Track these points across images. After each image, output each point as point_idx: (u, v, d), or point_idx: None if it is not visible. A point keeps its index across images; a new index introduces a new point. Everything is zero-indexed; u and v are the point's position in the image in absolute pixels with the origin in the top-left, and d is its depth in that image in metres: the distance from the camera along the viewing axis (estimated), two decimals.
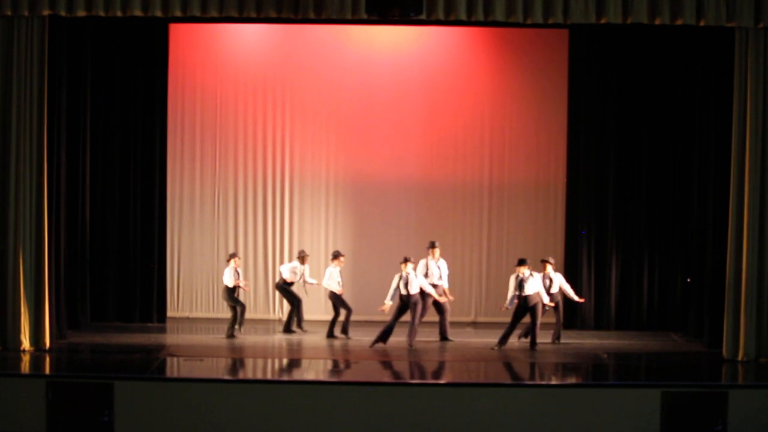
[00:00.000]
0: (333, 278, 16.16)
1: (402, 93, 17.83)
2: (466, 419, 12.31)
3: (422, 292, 15.35)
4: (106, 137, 17.15)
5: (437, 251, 16.00)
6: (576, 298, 16.05)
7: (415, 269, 15.42)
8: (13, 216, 14.31)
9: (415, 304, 15.23)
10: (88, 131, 16.57)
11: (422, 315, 15.47)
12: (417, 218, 17.86)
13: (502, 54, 17.82)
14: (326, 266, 16.56)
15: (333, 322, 16.20)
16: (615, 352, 15.16)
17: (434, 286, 15.70)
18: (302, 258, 16.58)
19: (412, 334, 15.28)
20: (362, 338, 15.92)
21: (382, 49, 17.83)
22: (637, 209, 17.30)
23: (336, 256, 16.30)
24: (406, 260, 15.24)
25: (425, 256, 16.02)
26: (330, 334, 16.08)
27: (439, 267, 15.96)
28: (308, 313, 17.01)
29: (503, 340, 15.29)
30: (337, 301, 16.20)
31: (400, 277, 15.21)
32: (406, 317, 15.38)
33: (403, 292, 15.21)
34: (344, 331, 16.10)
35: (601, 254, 17.32)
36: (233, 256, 16.17)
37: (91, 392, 12.28)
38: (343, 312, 16.19)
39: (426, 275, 15.74)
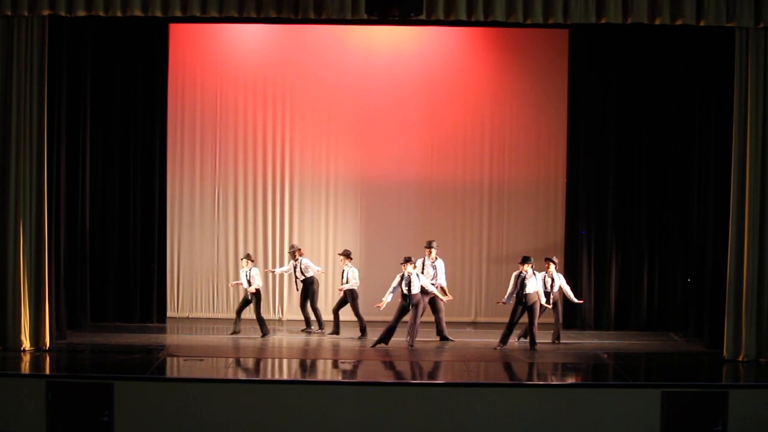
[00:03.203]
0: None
1: (402, 93, 17.83)
2: (466, 419, 12.30)
3: (422, 291, 15.34)
4: (106, 137, 17.16)
5: (433, 251, 15.97)
6: (575, 300, 16.05)
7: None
8: (13, 216, 14.31)
9: (417, 304, 15.24)
10: (88, 131, 16.56)
11: (422, 314, 15.50)
12: (417, 218, 17.86)
13: (502, 54, 17.82)
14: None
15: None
16: (615, 352, 15.16)
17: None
18: (292, 253, 16.53)
19: (412, 333, 15.29)
20: (362, 338, 15.93)
21: (382, 49, 17.83)
22: (637, 209, 17.30)
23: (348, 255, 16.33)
24: (407, 260, 15.24)
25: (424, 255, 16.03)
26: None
27: (434, 267, 15.93)
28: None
29: (504, 339, 15.30)
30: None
31: (402, 277, 15.22)
32: (405, 317, 15.39)
33: (405, 291, 15.22)
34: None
35: (601, 254, 17.32)
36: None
37: (91, 392, 12.28)
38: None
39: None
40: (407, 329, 15.32)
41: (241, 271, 16.19)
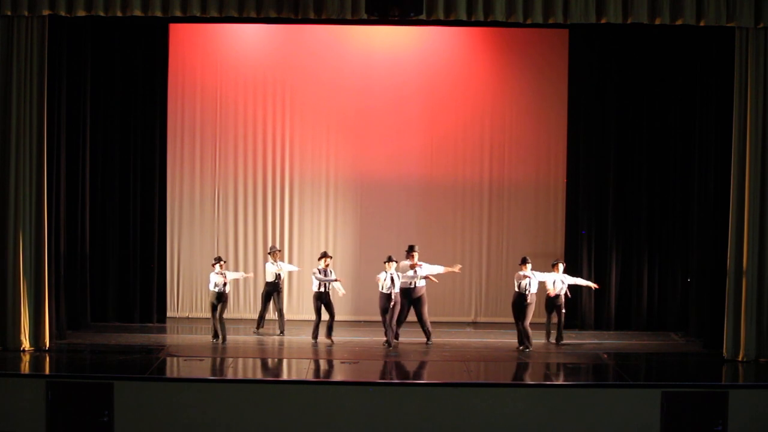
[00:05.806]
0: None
1: (402, 93, 17.82)
2: (466, 419, 12.31)
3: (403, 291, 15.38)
4: (106, 137, 17.15)
5: (416, 255, 15.73)
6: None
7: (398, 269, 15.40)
8: (13, 216, 14.32)
9: (396, 303, 15.20)
10: (88, 131, 16.56)
11: (402, 313, 15.50)
12: (417, 218, 17.86)
13: (502, 54, 17.81)
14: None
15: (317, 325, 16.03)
16: (615, 352, 15.17)
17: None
18: (273, 254, 16.41)
19: (390, 331, 15.18)
20: (362, 338, 15.94)
21: (382, 49, 17.82)
22: (637, 209, 17.30)
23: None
24: (389, 260, 15.22)
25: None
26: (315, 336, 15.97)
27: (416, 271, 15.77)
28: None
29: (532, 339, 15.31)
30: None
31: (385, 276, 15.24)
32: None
33: (386, 290, 15.17)
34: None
35: (601, 254, 17.32)
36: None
37: (91, 392, 12.30)
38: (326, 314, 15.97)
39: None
40: (389, 327, 15.25)
41: (214, 275, 15.85)
